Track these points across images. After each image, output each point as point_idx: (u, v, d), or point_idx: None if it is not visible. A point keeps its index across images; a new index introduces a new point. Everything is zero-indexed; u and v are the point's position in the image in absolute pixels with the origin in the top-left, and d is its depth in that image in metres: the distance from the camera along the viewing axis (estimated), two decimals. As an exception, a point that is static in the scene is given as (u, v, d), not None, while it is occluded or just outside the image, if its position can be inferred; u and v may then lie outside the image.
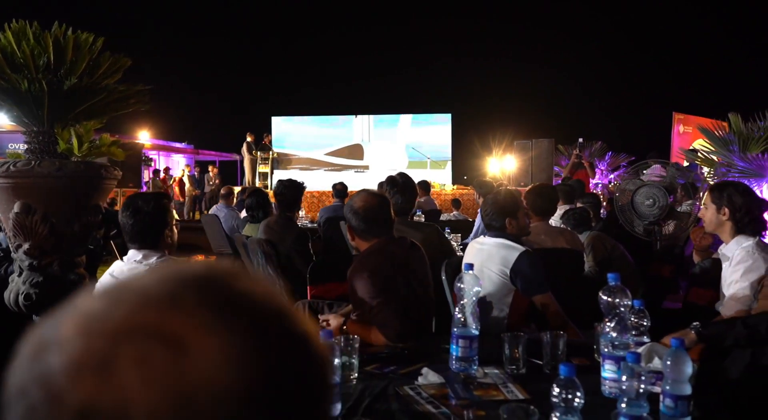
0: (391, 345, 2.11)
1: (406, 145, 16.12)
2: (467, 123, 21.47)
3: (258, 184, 14.76)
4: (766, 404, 1.76)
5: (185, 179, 15.25)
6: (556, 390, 1.26)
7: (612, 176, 12.86)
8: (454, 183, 15.56)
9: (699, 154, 7.35)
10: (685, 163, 7.90)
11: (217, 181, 15.90)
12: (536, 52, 31.10)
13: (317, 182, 15.81)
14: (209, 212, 7.27)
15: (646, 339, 1.90)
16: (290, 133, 16.83)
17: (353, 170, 16.19)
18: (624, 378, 1.33)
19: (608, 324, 1.66)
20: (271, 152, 15.04)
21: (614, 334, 1.65)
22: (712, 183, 7.10)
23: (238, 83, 35.37)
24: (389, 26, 35.28)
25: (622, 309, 1.68)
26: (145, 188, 14.69)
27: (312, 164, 16.60)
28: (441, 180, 15.05)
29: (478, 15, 35.94)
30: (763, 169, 6.27)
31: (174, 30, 33.53)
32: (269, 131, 16.20)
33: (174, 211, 2.27)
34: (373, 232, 2.20)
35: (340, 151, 16.58)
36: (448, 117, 16.44)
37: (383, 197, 2.29)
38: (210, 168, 17.21)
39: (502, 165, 13.88)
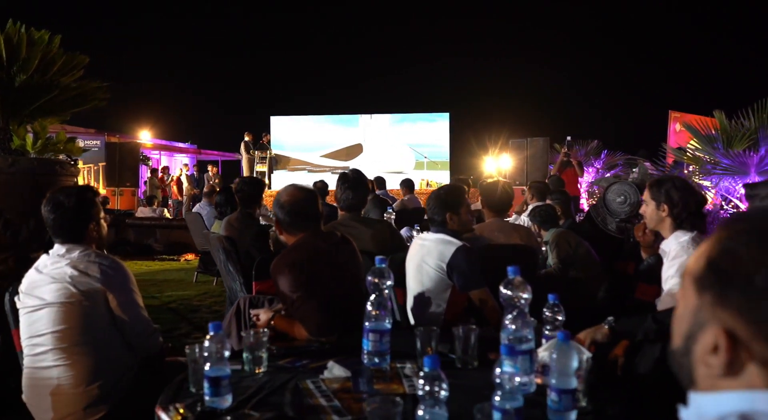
0: (313, 339, 2.10)
1: (407, 145, 16.09)
2: (465, 122, 21.42)
3: (255, 183, 14.80)
4: (673, 399, 1.74)
5: (183, 178, 15.31)
6: (420, 382, 1.25)
7: (608, 175, 12.78)
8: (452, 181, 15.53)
9: (688, 153, 7.30)
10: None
11: (216, 181, 15.97)
12: (533, 51, 31.01)
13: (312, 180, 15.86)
14: (193, 210, 7.30)
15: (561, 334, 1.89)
16: (290, 132, 16.86)
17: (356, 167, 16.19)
18: (498, 370, 1.32)
19: (508, 318, 1.65)
20: (269, 152, 15.07)
21: (513, 328, 1.63)
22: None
23: (240, 83, 35.53)
24: (387, 27, 35.33)
25: (522, 303, 1.66)
26: (144, 187, 14.79)
27: (309, 165, 16.62)
28: (439, 179, 15.04)
29: (476, 15, 35.92)
30: (746, 166, 6.20)
31: (177, 30, 33.72)
32: (269, 131, 16.25)
33: (101, 206, 2.26)
34: (299, 226, 2.20)
35: (339, 152, 16.58)
36: (446, 116, 16.42)
37: (310, 192, 2.28)
38: (209, 167, 17.26)
39: (498, 164, 13.83)
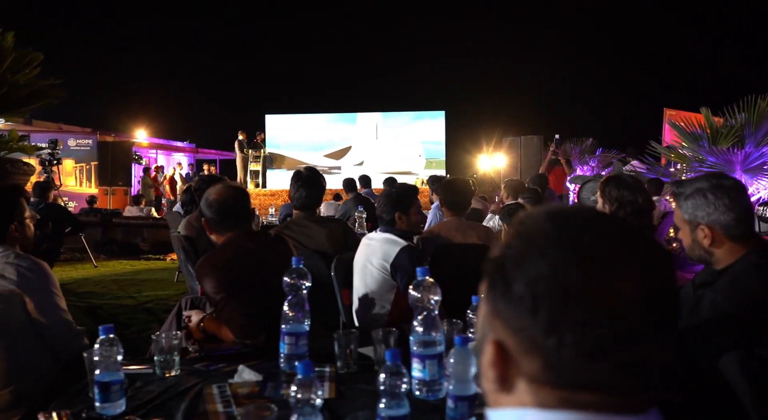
0: (238, 342, 2.05)
1: (420, 143, 15.96)
2: (461, 121, 21.34)
3: (249, 182, 14.78)
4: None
5: (177, 177, 15.29)
6: (293, 390, 1.19)
7: (603, 173, 12.66)
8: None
9: (678, 151, 7.20)
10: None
11: (212, 180, 15.94)
12: (528, 50, 30.89)
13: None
14: (173, 209, 7.25)
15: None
16: (285, 131, 16.80)
17: (351, 166, 16.10)
18: (382, 376, 1.25)
19: (417, 321, 1.58)
20: (262, 151, 15.03)
21: (421, 331, 1.57)
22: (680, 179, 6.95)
23: (240, 83, 35.52)
24: (384, 26, 35.29)
25: (432, 305, 1.60)
26: (138, 186, 14.78)
27: (303, 164, 16.57)
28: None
29: (472, 15, 35.83)
30: (730, 163, 6.11)
31: (177, 30, 33.74)
32: (262, 129, 16.21)
33: (26, 206, 2.21)
34: (227, 225, 2.14)
35: (341, 152, 16.52)
36: (441, 114, 16.34)
37: (240, 190, 2.23)
38: (205, 166, 17.27)
39: (492, 162, 13.75)
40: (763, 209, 5.44)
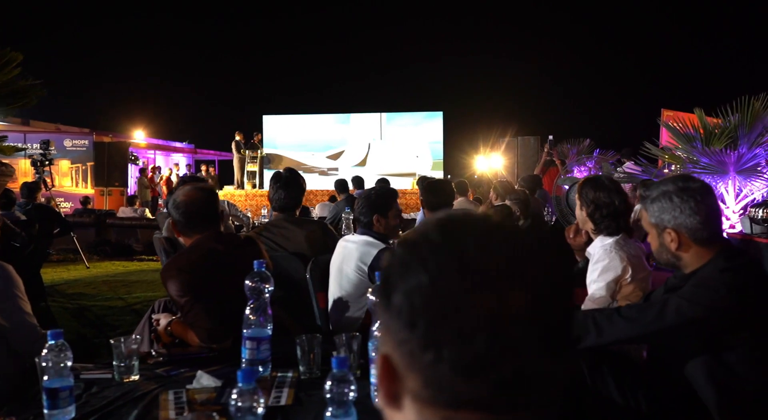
0: (204, 346, 2.02)
1: (428, 143, 15.90)
2: (458, 121, 21.31)
3: (247, 183, 14.76)
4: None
5: (173, 178, 15.27)
6: (233, 398, 1.16)
7: (601, 174, 12.62)
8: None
9: (672, 152, 7.15)
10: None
11: (210, 181, 15.92)
12: (526, 51, 30.88)
13: (308, 181, 15.76)
14: (163, 211, 7.23)
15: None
16: (282, 131, 16.78)
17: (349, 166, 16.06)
18: (328, 384, 1.22)
19: (376, 326, 1.55)
20: (259, 151, 15.01)
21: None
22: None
23: (238, 83, 35.51)
24: (382, 27, 35.28)
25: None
26: (135, 187, 14.76)
27: (301, 165, 16.54)
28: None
29: (470, 16, 35.83)
30: (724, 165, 6.06)
31: (177, 30, 33.72)
32: (260, 130, 16.19)
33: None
34: (194, 227, 2.11)
35: (336, 153, 16.48)
36: (439, 115, 16.30)
37: (209, 191, 2.19)
38: (203, 167, 17.25)
39: (490, 163, 13.71)
40: (755, 211, 5.38)
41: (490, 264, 0.53)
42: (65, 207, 11.92)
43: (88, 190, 13.00)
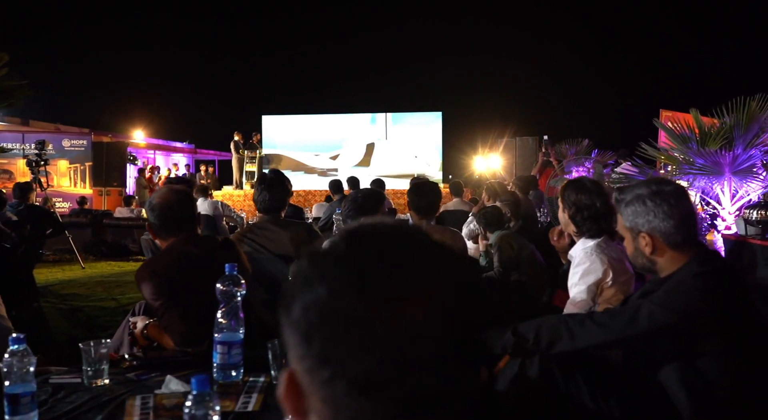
0: (179, 349, 2.00)
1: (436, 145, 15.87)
2: (457, 121, 21.28)
3: (245, 183, 14.75)
4: (532, 417, 1.61)
5: (185, 177, 15.26)
6: (187, 405, 1.14)
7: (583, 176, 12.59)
8: (444, 181, 15.36)
9: (668, 152, 7.11)
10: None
11: (208, 181, 15.91)
12: (525, 51, 30.81)
13: (307, 181, 15.77)
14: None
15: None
16: (281, 132, 16.76)
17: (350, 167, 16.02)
18: (188, 404, 1.13)
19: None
20: (258, 151, 14.99)
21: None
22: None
23: (238, 83, 35.53)
24: (381, 27, 35.26)
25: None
26: (135, 187, 14.75)
27: (301, 165, 16.53)
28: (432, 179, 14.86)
29: (469, 16, 35.80)
30: (719, 165, 6.03)
31: (177, 30, 33.75)
32: (260, 130, 16.17)
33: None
34: (170, 230, 2.09)
35: (336, 154, 16.44)
36: (438, 116, 16.26)
37: (185, 194, 2.18)
38: (202, 167, 17.24)
39: (488, 163, 13.69)
40: (749, 212, 5.35)
41: (391, 278, 0.51)
42: (63, 207, 11.92)
43: (87, 190, 13.00)
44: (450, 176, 15.90)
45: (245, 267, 2.30)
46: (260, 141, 15.54)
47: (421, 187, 3.20)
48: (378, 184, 7.30)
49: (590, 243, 2.28)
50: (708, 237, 6.51)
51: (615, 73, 30.25)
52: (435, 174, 15.34)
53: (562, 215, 2.41)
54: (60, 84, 28.49)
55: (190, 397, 1.15)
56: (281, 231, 3.03)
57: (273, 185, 3.06)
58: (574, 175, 11.37)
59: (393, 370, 0.49)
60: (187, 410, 1.14)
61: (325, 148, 16.53)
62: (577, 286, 2.24)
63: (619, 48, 30.73)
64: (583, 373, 1.59)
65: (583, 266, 2.23)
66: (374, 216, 2.68)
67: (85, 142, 13.16)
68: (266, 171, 3.17)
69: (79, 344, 1.73)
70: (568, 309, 2.26)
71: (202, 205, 6.26)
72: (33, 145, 8.10)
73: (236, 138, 14.72)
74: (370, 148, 16.29)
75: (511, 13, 33.04)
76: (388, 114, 16.50)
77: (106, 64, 32.32)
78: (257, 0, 39.72)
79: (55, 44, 30.42)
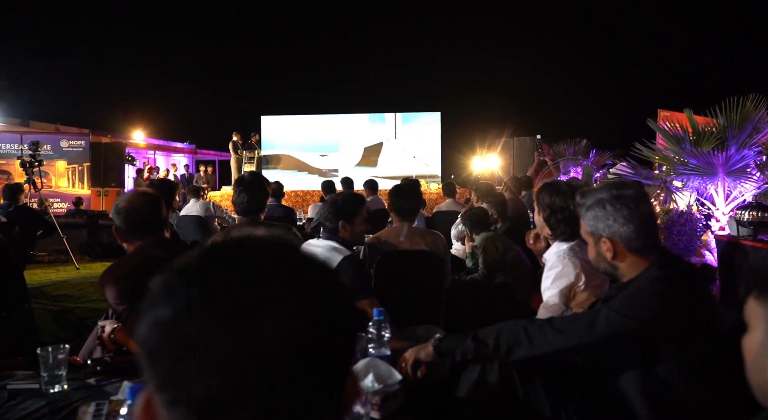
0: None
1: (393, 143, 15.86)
2: (457, 122, 21.22)
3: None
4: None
5: (170, 179, 15.25)
6: (123, 412, 1.12)
7: (597, 175, 12.54)
8: (444, 181, 15.30)
9: (662, 153, 7.07)
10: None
11: (207, 182, 15.93)
12: (524, 51, 30.71)
13: (308, 182, 15.76)
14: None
15: (386, 351, 1.76)
16: (281, 132, 16.75)
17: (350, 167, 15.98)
18: (123, 411, 1.13)
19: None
20: (257, 152, 14.98)
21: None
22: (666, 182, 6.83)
23: (239, 83, 35.55)
24: (380, 28, 35.22)
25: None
26: (133, 187, 14.77)
27: (302, 166, 16.52)
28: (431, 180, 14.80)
29: (468, 16, 35.74)
30: (711, 165, 5.98)
31: (178, 32, 33.79)
32: (258, 130, 16.16)
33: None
34: (136, 233, 2.08)
35: (335, 154, 16.41)
36: (437, 116, 16.21)
37: (152, 197, 2.16)
38: (201, 167, 17.26)
39: (486, 163, 13.65)
40: (741, 213, 5.30)
41: (238, 297, 0.49)
42: (61, 208, 11.93)
43: (85, 190, 13.02)
44: (452, 176, 15.87)
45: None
46: (259, 141, 15.54)
47: (402, 189, 3.18)
48: (370, 185, 7.29)
49: (563, 246, 2.26)
50: (703, 238, 6.46)
51: (614, 73, 30.16)
52: (435, 174, 15.29)
53: (537, 218, 2.39)
54: (61, 85, 28.56)
55: (125, 406, 1.13)
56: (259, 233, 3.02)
57: (251, 187, 3.05)
58: (572, 175, 11.32)
59: (235, 393, 0.47)
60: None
61: (326, 148, 16.51)
62: (549, 289, 2.22)
63: (619, 48, 30.65)
64: (543, 380, 1.56)
65: (556, 270, 2.21)
66: (353, 219, 2.66)
67: (83, 142, 13.17)
68: (246, 173, 3.15)
69: (37, 350, 1.72)
70: (541, 313, 2.24)
71: (194, 206, 6.25)
72: (26, 146, 8.10)
73: (235, 138, 14.71)
74: (378, 148, 16.20)
75: (511, 14, 32.97)
76: (397, 114, 16.37)
77: (106, 65, 32.42)
78: (257, 0, 39.79)
79: (56, 45, 30.51)
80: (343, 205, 2.67)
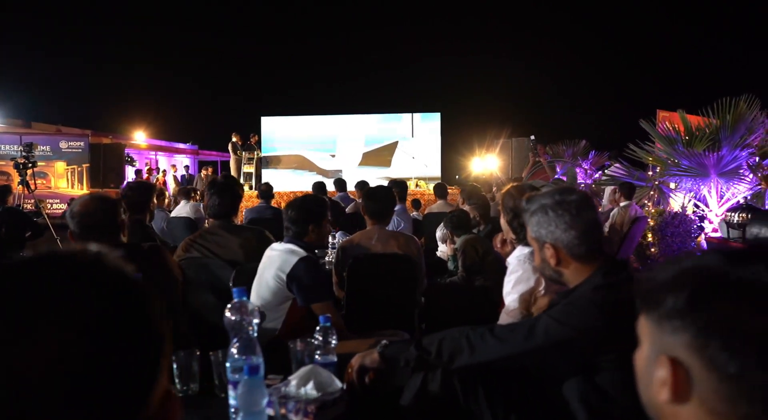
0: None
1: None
2: (456, 122, 21.16)
3: (243, 184, 14.75)
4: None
5: (169, 179, 15.31)
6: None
7: (596, 175, 12.48)
8: (450, 184, 15.22)
9: (655, 154, 7.02)
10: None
11: (206, 184, 15.95)
12: (524, 51, 30.57)
13: (309, 182, 15.73)
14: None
15: (333, 358, 1.74)
16: (281, 133, 16.75)
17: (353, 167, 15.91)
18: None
19: (233, 345, 1.49)
20: (256, 153, 14.99)
21: (237, 356, 1.48)
22: (657, 183, 6.79)
23: (241, 84, 35.64)
24: (380, 28, 35.20)
25: (250, 327, 1.51)
26: (133, 188, 14.79)
27: (301, 165, 16.52)
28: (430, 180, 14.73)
29: (467, 16, 35.65)
30: (704, 167, 5.94)
31: (179, 32, 33.87)
32: (258, 131, 16.17)
33: None
34: (90, 238, 2.06)
35: (335, 154, 16.37)
36: (437, 116, 16.16)
37: (109, 201, 2.15)
38: (202, 169, 17.29)
39: (485, 164, 13.61)
40: (731, 215, 5.26)
41: (16, 307, 0.47)
42: (60, 209, 11.98)
43: (84, 191, 13.06)
44: (457, 176, 15.78)
45: (173, 274, 2.27)
46: (258, 142, 15.54)
47: (374, 192, 3.16)
48: (360, 186, 7.27)
49: (525, 251, 2.23)
50: (698, 240, 6.42)
51: (614, 73, 29.96)
52: (434, 174, 15.24)
53: (503, 221, 2.36)
54: (64, 86, 28.71)
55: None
56: (231, 237, 3.01)
57: (223, 190, 3.04)
58: (559, 177, 11.26)
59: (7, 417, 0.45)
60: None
61: (326, 148, 16.49)
62: (510, 294, 2.19)
63: (619, 48, 30.47)
64: (485, 388, 1.54)
65: (516, 274, 2.19)
66: (321, 221, 2.64)
67: (82, 143, 13.22)
68: (217, 177, 3.13)
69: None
70: (502, 318, 2.21)
71: (184, 208, 6.25)
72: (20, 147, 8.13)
73: (234, 139, 14.73)
74: (392, 147, 16.04)
75: (511, 14, 32.84)
76: (423, 114, 16.20)
77: (107, 66, 32.58)
78: (258, 0, 39.88)
79: (56, 45, 30.68)
80: (314, 208, 2.65)
